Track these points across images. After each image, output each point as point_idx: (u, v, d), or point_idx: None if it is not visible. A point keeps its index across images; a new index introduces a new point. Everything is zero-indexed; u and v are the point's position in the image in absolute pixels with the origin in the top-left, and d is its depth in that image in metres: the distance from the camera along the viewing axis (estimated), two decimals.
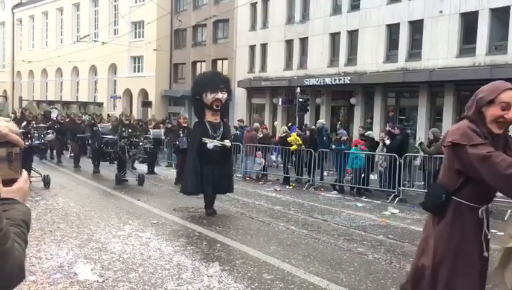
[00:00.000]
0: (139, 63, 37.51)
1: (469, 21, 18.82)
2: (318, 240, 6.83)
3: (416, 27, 20.66)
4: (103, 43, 31.96)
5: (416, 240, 6.95)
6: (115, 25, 38.86)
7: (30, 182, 8.93)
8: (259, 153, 14.16)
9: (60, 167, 15.72)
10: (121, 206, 9.11)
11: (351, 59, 23.31)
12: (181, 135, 12.08)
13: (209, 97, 8.12)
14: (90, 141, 14.75)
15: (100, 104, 39.48)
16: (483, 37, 18.24)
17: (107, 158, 12.51)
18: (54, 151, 17.16)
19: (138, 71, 37.65)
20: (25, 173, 1.42)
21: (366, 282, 4.99)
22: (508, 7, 17.43)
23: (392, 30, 21.64)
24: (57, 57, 38.80)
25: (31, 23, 48.32)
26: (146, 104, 35.99)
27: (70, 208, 8.32)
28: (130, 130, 12.26)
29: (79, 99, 41.36)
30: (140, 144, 12.57)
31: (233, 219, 8.27)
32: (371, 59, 22.04)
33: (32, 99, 40.36)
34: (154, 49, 33.49)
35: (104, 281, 4.75)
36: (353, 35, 23.25)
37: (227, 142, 8.37)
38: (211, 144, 8.13)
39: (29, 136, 10.39)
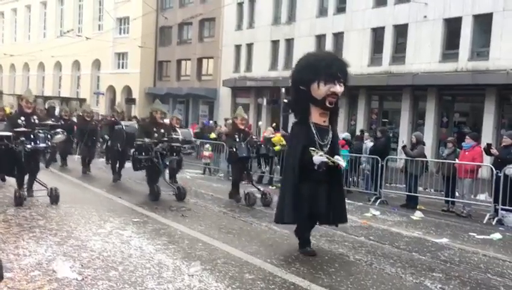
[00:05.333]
0: (123, 59, 37.19)
1: (452, 27, 19.11)
2: None
3: (401, 31, 20.90)
4: (87, 38, 31.64)
5: (396, 241, 7.03)
6: (99, 20, 38.49)
7: (32, 195, 8.27)
8: None
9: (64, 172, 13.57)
10: (102, 203, 9.01)
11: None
12: (237, 140, 9.80)
13: (322, 89, 5.82)
14: (109, 143, 12.79)
15: (83, 100, 39.05)
16: (465, 42, 18.54)
17: (137, 166, 9.81)
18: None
19: (122, 68, 37.33)
20: None
21: (347, 283, 5.01)
22: (491, 14, 17.73)
23: (377, 33, 21.85)
24: (40, 51, 38.24)
25: (14, 16, 47.53)
26: (130, 101, 35.70)
27: (50, 204, 8.18)
28: (162, 131, 9.73)
29: (61, 95, 40.82)
30: (188, 149, 10.34)
31: (216, 218, 8.24)
32: (356, 62, 22.15)
33: (14, 93, 39.74)
34: (139, 46, 33.25)
35: (83, 279, 4.69)
36: (338, 37, 23.41)
37: (342, 162, 6.04)
38: (318, 157, 5.81)
39: (32, 136, 8.08)
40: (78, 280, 4.66)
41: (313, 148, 5.81)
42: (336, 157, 5.94)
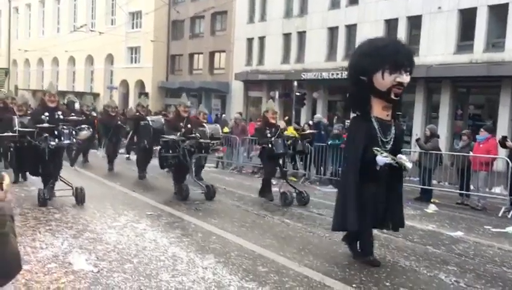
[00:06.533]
0: (136, 53, 37.33)
1: (467, 18, 18.83)
2: (313, 233, 6.85)
3: (415, 23, 20.64)
4: (100, 33, 31.78)
5: (410, 235, 7.00)
6: (112, 15, 38.63)
7: (54, 196, 7.79)
8: (256, 146, 14.13)
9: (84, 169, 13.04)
10: (117, 197, 9.10)
11: (349, 54, 23.24)
12: (268, 135, 9.23)
13: (387, 79, 5.25)
14: (136, 140, 12.24)
15: (97, 95, 39.34)
16: (480, 33, 18.26)
17: (164, 164, 9.35)
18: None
19: (135, 62, 37.47)
20: (6, 178, 1.41)
21: (360, 276, 5.01)
22: (507, 4, 17.43)
23: (391, 25, 21.62)
24: (53, 46, 38.56)
25: (28, 11, 47.94)
26: (143, 95, 35.89)
27: (66, 198, 8.28)
28: (189, 126, 9.25)
29: (75, 89, 41.17)
30: (216, 146, 9.75)
31: (229, 211, 8.28)
32: None
33: (28, 88, 40.20)
34: (152, 40, 33.32)
35: (98, 271, 4.76)
36: (351, 29, 23.21)
37: (408, 163, 5.48)
38: (382, 157, 5.23)
39: (55, 132, 7.68)
40: (94, 272, 4.73)
41: (376, 148, 5.25)
42: (400, 157, 5.38)
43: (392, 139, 5.46)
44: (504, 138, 9.87)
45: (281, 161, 9.49)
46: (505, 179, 9.83)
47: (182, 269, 4.94)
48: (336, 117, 23.92)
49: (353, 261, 5.54)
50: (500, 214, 9.06)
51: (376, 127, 5.39)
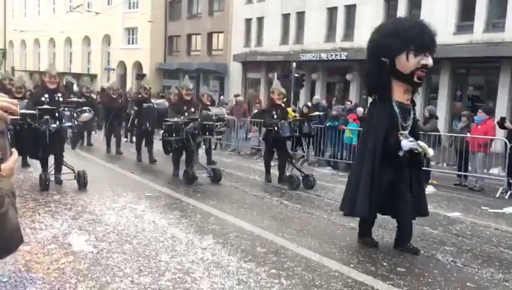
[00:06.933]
0: (133, 34, 36.98)
1: None
2: (311, 215, 6.89)
3: (415, 3, 20.44)
4: (96, 13, 31.42)
5: None
6: None
7: (61, 182, 7.67)
8: (254, 128, 14.14)
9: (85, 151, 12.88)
10: (115, 178, 9.12)
11: (348, 34, 23.08)
12: (275, 117, 8.95)
13: (411, 61, 5.04)
14: (136, 122, 11.78)
15: (94, 76, 39.10)
16: (481, 14, 18.09)
17: (168, 148, 9.03)
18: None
19: (132, 43, 37.15)
20: (15, 153, 1.40)
21: (358, 256, 5.06)
22: None
23: (390, 5, 21.41)
24: (50, 27, 38.15)
25: None
26: (140, 76, 35.67)
27: (64, 179, 8.28)
28: (192, 109, 9.11)
29: (72, 71, 40.91)
30: (221, 128, 9.38)
31: (228, 192, 8.30)
32: (368, 35, 21.79)
33: (25, 69, 39.90)
34: (149, 21, 32.99)
35: (98, 252, 4.79)
36: (351, 10, 22.99)
37: (431, 150, 5.34)
38: (407, 142, 5.05)
39: (56, 115, 7.45)
40: (94, 253, 4.76)
41: (402, 132, 5.06)
42: (422, 144, 5.20)
43: (410, 125, 5.29)
44: (503, 119, 9.87)
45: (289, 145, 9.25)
46: (503, 160, 9.86)
47: (181, 249, 4.97)
48: (335, 99, 23.87)
49: (351, 242, 5.58)
50: (497, 195, 9.11)
51: (397, 111, 5.19)
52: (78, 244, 4.95)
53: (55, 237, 5.21)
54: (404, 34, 5.03)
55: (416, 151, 5.11)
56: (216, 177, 8.94)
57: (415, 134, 5.36)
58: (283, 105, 9.60)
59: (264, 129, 10.11)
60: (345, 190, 5.62)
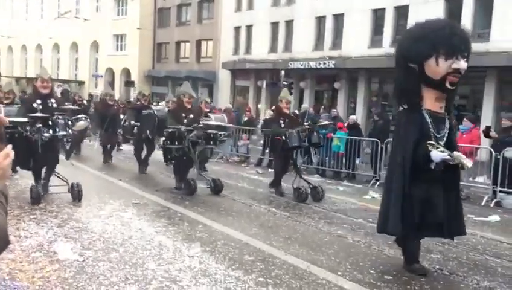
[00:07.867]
0: (121, 41, 36.91)
1: (453, 8, 18.93)
2: (299, 222, 6.89)
3: (402, 12, 20.71)
4: (85, 19, 31.34)
5: None
6: (97, 2, 38.07)
7: (47, 191, 7.19)
8: (245, 135, 14.15)
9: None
10: (102, 185, 9.05)
11: (336, 43, 23.30)
12: (282, 126, 8.60)
13: (441, 66, 4.58)
14: (136, 130, 11.08)
15: (82, 83, 38.88)
16: (466, 24, 18.31)
17: (168, 157, 8.68)
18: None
19: (121, 50, 37.07)
20: (7, 148, 1.38)
21: (346, 264, 5.07)
22: None
23: (378, 15, 21.66)
24: (37, 33, 37.93)
25: None
26: (129, 83, 35.56)
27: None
28: (191, 116, 8.63)
29: (60, 77, 40.64)
30: (224, 137, 8.98)
31: (216, 200, 8.27)
32: (356, 44, 22.05)
33: (12, 76, 39.52)
34: (138, 28, 32.96)
35: (84, 260, 4.73)
36: (339, 19, 23.22)
37: (468, 161, 4.76)
38: (438, 153, 4.60)
39: (50, 123, 6.98)
40: (80, 261, 4.71)
41: (430, 142, 4.62)
42: (457, 154, 4.66)
43: (446, 135, 4.81)
44: (488, 128, 9.99)
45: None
46: (488, 168, 9.97)
47: (168, 257, 4.94)
48: (323, 107, 24.00)
49: (338, 249, 5.59)
50: (483, 203, 9.20)
51: (429, 121, 4.73)
52: (63, 253, 4.89)
53: (40, 245, 5.15)
54: (432, 36, 4.60)
55: (450, 163, 4.67)
56: (217, 188, 8.54)
57: (452, 145, 4.86)
58: (291, 114, 9.21)
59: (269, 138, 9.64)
60: (379, 209, 5.24)
